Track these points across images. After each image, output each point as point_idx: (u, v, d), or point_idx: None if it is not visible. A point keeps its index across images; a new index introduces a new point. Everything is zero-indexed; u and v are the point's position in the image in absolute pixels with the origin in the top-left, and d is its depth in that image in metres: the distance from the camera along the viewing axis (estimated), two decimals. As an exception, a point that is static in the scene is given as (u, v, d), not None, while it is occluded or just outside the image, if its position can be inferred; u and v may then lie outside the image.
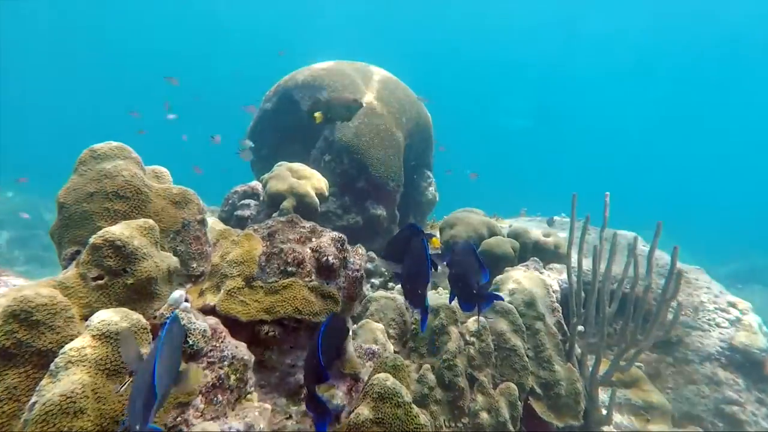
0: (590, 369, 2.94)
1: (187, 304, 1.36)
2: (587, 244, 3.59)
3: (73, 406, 0.97)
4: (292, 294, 1.71)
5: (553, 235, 3.92)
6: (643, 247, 3.86)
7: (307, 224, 1.96)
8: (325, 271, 1.80)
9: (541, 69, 31.95)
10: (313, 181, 3.57)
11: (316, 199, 3.54)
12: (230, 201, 3.80)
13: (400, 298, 3.20)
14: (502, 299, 3.00)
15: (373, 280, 4.00)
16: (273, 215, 3.40)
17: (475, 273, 1.68)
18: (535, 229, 4.16)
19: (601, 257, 3.05)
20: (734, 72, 27.59)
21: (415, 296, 1.64)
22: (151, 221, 1.40)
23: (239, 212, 3.66)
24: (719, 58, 26.94)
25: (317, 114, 3.22)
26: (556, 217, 5.89)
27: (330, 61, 5.15)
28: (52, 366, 1.03)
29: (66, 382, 0.99)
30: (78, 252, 1.47)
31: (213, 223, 1.98)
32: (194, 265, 1.74)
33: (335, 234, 1.89)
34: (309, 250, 1.83)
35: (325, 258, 1.78)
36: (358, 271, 1.88)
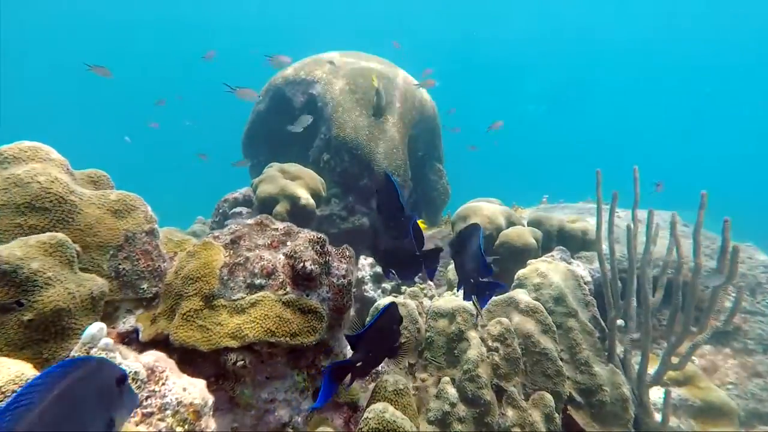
0: (637, 369, 2.54)
1: (109, 341, 1.04)
2: (618, 228, 3.19)
3: None
4: (263, 312, 1.39)
5: (580, 220, 3.52)
6: (683, 227, 3.43)
7: (281, 225, 1.64)
8: (303, 280, 1.47)
9: (556, 49, 30.86)
10: (306, 180, 3.25)
11: (312, 201, 3.22)
12: (221, 210, 3.50)
13: (412, 303, 2.86)
14: (504, 287, 2.65)
15: (384, 285, 3.67)
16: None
17: (473, 258, 1.45)
18: (559, 215, 3.77)
19: (636, 239, 2.65)
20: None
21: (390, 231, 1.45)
22: (59, 235, 1.09)
23: (230, 222, 3.37)
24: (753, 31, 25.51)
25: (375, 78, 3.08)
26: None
27: (323, 53, 4.85)
28: None
29: None
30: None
31: (168, 232, 1.67)
32: (144, 286, 1.43)
33: (313, 234, 1.55)
34: (282, 257, 1.50)
35: (302, 264, 1.45)
36: (344, 276, 1.55)
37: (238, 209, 3.43)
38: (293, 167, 3.36)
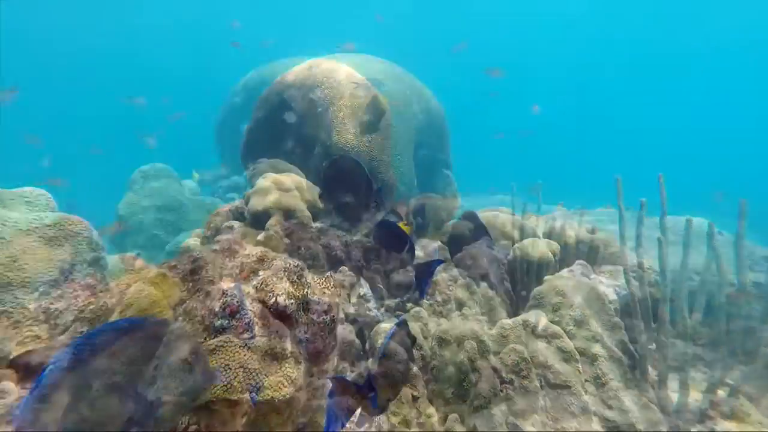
0: (675, 403, 2.23)
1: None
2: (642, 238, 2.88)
3: None
4: (223, 361, 1.13)
5: (602, 230, 3.21)
6: (719, 236, 3.10)
7: (254, 251, 1.38)
8: (276, 318, 1.21)
9: (567, 49, 30.16)
10: (303, 191, 3.00)
11: (308, 214, 2.97)
12: (212, 225, 3.26)
13: (416, 326, 2.59)
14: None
15: (387, 302, 3.40)
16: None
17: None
18: (578, 225, 3.46)
19: (666, 252, 2.35)
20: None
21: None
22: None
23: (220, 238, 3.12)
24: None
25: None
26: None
27: (325, 56, 4.64)
28: None
29: None
30: None
31: (122, 260, 1.43)
32: (84, 330, 1.19)
33: (289, 262, 1.30)
34: (252, 290, 1.25)
35: (273, 299, 1.20)
36: (326, 312, 1.28)
37: (230, 224, 3.19)
38: (288, 177, 3.12)
